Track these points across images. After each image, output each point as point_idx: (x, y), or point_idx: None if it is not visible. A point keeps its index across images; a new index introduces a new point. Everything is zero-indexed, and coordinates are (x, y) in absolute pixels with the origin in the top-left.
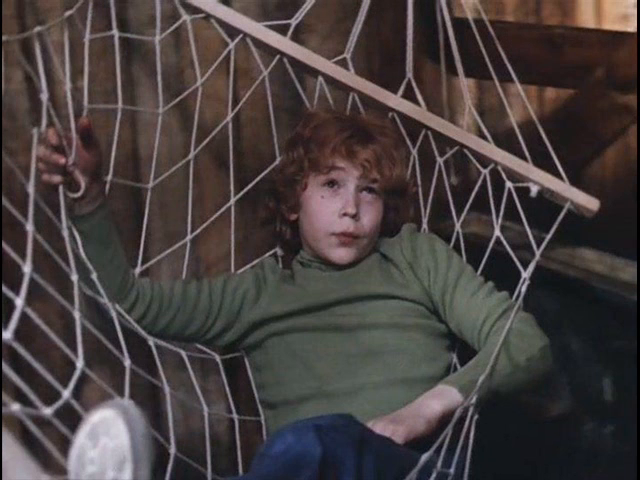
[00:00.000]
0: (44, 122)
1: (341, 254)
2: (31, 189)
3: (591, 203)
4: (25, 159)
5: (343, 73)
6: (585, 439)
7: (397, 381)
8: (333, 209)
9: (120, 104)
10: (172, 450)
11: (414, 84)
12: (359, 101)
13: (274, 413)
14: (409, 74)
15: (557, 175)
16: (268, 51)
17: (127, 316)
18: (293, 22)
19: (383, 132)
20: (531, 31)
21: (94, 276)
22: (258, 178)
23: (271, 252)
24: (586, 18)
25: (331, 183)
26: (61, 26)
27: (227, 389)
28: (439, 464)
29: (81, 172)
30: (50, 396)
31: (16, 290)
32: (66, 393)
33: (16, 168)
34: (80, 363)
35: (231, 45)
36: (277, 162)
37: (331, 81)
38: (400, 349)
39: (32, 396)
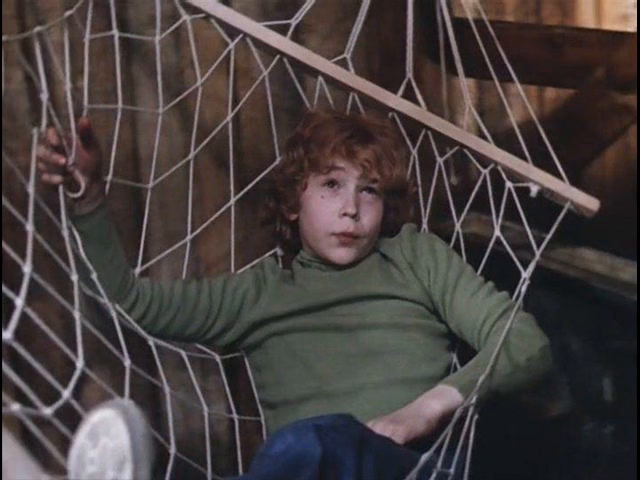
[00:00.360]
0: (44, 122)
1: (341, 254)
2: (31, 189)
3: (591, 203)
4: (25, 159)
5: (343, 73)
6: (585, 439)
7: (397, 381)
8: (333, 209)
9: (120, 104)
10: (172, 450)
11: (414, 84)
12: (359, 101)
13: (274, 413)
14: (409, 74)
15: (557, 175)
16: (268, 51)
17: (127, 316)
18: (293, 22)
19: (383, 132)
20: (531, 31)
21: (94, 276)
22: (258, 178)
23: (271, 252)
24: (586, 18)
25: (331, 183)
26: (61, 26)
27: (227, 389)
28: (439, 464)
29: (81, 172)
30: (50, 396)
31: (16, 290)
32: (66, 393)
33: (16, 168)
34: (80, 363)
35: (231, 45)
36: (277, 162)
37: (331, 81)
38: (400, 349)
39: (32, 396)
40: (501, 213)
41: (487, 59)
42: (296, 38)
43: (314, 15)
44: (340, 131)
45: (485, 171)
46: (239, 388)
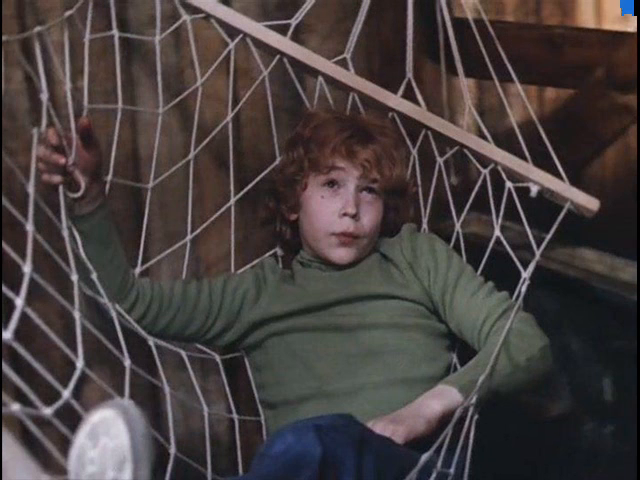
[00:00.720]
0: (44, 122)
1: (341, 254)
2: (31, 189)
3: (591, 203)
4: (25, 159)
5: (343, 73)
6: (585, 439)
7: (397, 381)
8: (333, 209)
9: (120, 104)
10: (172, 450)
11: (414, 84)
12: (359, 101)
13: (274, 413)
14: (409, 74)
15: (557, 175)
16: (268, 51)
17: (127, 316)
18: (293, 22)
19: (383, 132)
20: (531, 31)
21: (94, 276)
22: (258, 178)
23: (271, 252)
24: (586, 18)
25: (331, 183)
26: (61, 26)
27: (227, 389)
28: (439, 464)
29: (81, 172)
30: (50, 396)
31: (16, 290)
32: (66, 393)
33: (16, 168)
34: (80, 363)
35: (231, 45)
36: (277, 162)
37: (331, 81)
38: (400, 349)
39: (32, 396)
40: (501, 213)
41: (487, 59)
42: (296, 38)
43: (314, 15)
44: (340, 131)
45: (485, 171)
46: (239, 388)
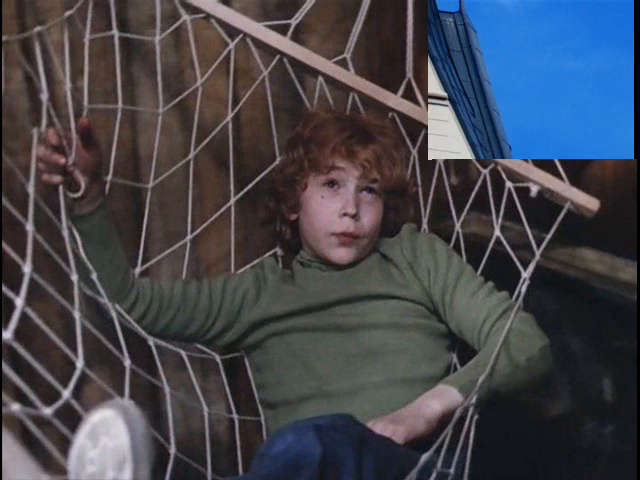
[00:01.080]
0: (44, 122)
1: (341, 254)
2: (31, 189)
3: (591, 203)
4: (25, 159)
5: (343, 73)
6: (585, 439)
7: (397, 381)
8: (333, 209)
9: (120, 104)
10: (172, 450)
11: (414, 84)
12: (359, 101)
13: (274, 413)
14: (409, 74)
15: (557, 175)
16: (268, 51)
17: (127, 316)
18: (293, 22)
19: (383, 132)
20: None
21: (94, 276)
22: (258, 178)
23: (271, 252)
24: None
25: (331, 183)
26: (61, 26)
27: (227, 389)
28: (439, 464)
29: (81, 172)
30: (50, 396)
31: (16, 290)
32: (66, 393)
33: (16, 168)
34: (80, 363)
35: (231, 45)
36: (277, 162)
37: (331, 81)
38: (400, 349)
39: (32, 396)
40: (501, 213)
41: None
42: (296, 38)
43: (314, 15)
44: (340, 131)
45: (485, 171)
46: (239, 388)
